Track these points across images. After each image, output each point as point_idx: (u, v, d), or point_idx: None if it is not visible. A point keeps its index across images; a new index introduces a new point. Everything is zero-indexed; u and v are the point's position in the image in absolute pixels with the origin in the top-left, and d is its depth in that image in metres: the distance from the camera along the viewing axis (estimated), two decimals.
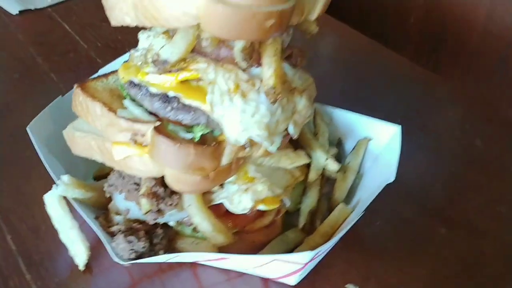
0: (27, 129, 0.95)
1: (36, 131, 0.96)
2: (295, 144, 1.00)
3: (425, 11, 2.47)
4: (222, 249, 0.88)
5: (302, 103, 0.85)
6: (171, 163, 0.78)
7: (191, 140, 0.77)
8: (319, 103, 1.10)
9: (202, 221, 0.84)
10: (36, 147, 0.94)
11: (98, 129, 0.85)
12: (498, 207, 1.06)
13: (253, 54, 0.75)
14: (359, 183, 1.03)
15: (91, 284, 0.89)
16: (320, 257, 0.83)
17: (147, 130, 0.79)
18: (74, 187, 0.87)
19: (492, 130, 1.29)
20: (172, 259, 0.85)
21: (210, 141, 0.79)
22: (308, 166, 0.99)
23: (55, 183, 0.90)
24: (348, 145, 1.08)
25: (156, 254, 0.86)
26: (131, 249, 0.84)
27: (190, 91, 0.78)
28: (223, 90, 0.77)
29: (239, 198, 0.86)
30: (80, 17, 1.70)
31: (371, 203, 0.89)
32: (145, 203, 0.82)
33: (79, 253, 0.89)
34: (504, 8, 2.05)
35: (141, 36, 0.86)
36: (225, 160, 0.80)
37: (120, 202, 0.89)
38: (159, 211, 0.84)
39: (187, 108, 0.78)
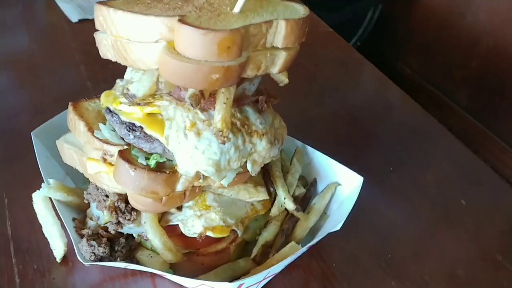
0: (32, 133, 1.09)
1: (40, 136, 1.10)
2: (267, 178, 1.07)
3: (486, 61, 2.42)
4: (172, 266, 0.98)
5: (261, 145, 0.93)
6: (128, 184, 0.88)
7: (146, 166, 0.87)
8: (303, 143, 1.17)
9: (154, 238, 0.94)
10: (36, 150, 1.08)
11: (81, 144, 0.98)
12: (456, 271, 1.07)
13: (203, 97, 0.84)
14: (323, 224, 1.08)
15: (63, 275, 1.01)
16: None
17: (115, 151, 0.91)
18: (56, 190, 1.00)
19: (479, 194, 1.29)
20: (128, 267, 0.96)
21: (166, 169, 0.89)
22: (274, 200, 1.06)
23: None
24: (321, 187, 1.14)
25: (115, 260, 0.97)
26: (92, 252, 0.95)
27: (153, 123, 0.88)
28: (180, 126, 0.86)
29: (192, 223, 0.96)
30: None
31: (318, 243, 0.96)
32: (106, 215, 0.94)
33: (57, 247, 1.02)
34: None
35: (128, 68, 0.98)
36: (179, 187, 0.90)
37: (94, 209, 1.01)
38: (119, 223, 0.95)
39: (148, 138, 0.88)
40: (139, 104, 0.89)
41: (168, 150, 0.87)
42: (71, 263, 1.03)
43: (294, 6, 0.93)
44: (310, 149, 1.17)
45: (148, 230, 0.94)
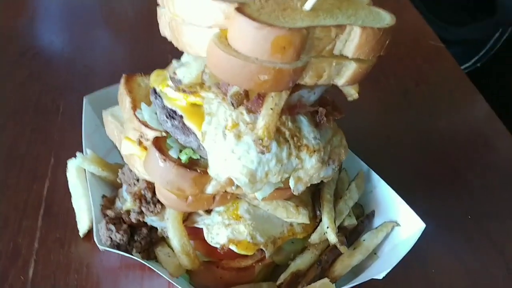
0: (84, 98, 1.05)
1: (93, 103, 1.06)
2: (315, 199, 0.95)
3: None
4: (189, 271, 0.89)
5: (310, 163, 0.81)
6: (154, 174, 0.81)
7: (177, 160, 0.79)
8: (369, 168, 1.03)
9: (174, 238, 0.86)
10: (84, 116, 1.04)
11: (124, 119, 0.92)
12: None
13: (247, 99, 0.74)
14: (370, 265, 0.94)
15: (81, 250, 0.98)
16: None
17: (152, 136, 0.83)
18: (91, 162, 0.95)
19: None
20: (143, 262, 0.89)
21: (198, 167, 0.80)
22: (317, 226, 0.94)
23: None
24: (377, 222, 0.99)
25: (131, 250, 0.91)
26: (109, 237, 0.89)
27: (194, 115, 0.79)
28: (220, 124, 0.77)
29: (218, 231, 0.87)
30: None
31: None
32: (129, 201, 0.87)
33: (82, 221, 0.98)
34: None
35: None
36: (209, 190, 0.81)
37: (124, 191, 0.95)
38: (141, 213, 0.88)
39: (185, 129, 0.80)
40: (184, 91, 0.81)
41: (203, 148, 0.78)
42: (93, 240, 0.99)
43: (379, 12, 0.80)
44: (375, 176, 1.02)
45: (169, 228, 0.86)
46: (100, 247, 0.89)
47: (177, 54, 0.84)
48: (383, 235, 0.95)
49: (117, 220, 0.91)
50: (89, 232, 0.98)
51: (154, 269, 0.86)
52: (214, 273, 0.89)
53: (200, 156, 0.80)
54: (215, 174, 0.78)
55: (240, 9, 0.68)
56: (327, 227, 0.90)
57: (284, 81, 0.70)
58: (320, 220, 0.93)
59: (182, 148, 0.81)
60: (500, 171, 1.30)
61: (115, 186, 1.00)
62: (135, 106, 0.89)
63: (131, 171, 0.92)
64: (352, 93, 0.82)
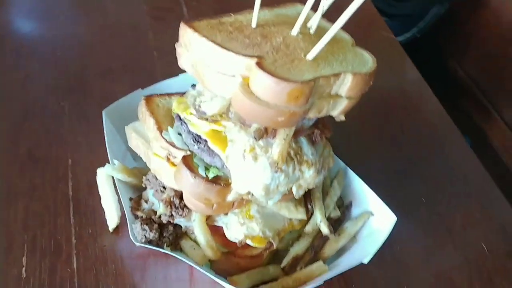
0: (103, 112, 1.20)
1: (110, 114, 1.21)
2: (307, 197, 1.17)
3: None
4: (211, 261, 1.10)
5: (309, 174, 1.02)
6: (186, 188, 1.00)
7: (204, 177, 0.98)
8: (346, 165, 1.25)
9: (199, 235, 1.06)
10: (105, 129, 1.19)
11: (149, 137, 1.09)
12: None
13: (266, 133, 0.94)
14: (350, 247, 1.18)
15: (113, 244, 1.16)
16: None
17: (179, 155, 1.01)
18: (119, 171, 1.13)
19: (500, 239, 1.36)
20: (172, 254, 1.09)
21: (221, 181, 0.99)
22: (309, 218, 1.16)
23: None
24: (355, 211, 1.23)
25: (162, 244, 1.10)
26: (144, 235, 1.08)
27: (216, 139, 0.98)
28: (240, 148, 0.96)
29: (235, 229, 1.07)
30: (200, 3, 1.91)
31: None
32: (162, 207, 1.06)
33: (111, 218, 1.16)
34: None
35: None
36: (229, 198, 1.00)
37: (150, 195, 1.13)
38: (171, 216, 1.07)
39: (210, 152, 0.98)
40: (206, 119, 0.99)
41: (226, 167, 0.97)
42: (121, 234, 1.17)
43: (363, 55, 1.00)
44: (351, 173, 1.24)
45: (196, 227, 1.06)
46: (137, 244, 1.08)
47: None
48: (361, 223, 1.18)
49: (149, 221, 1.09)
50: (117, 227, 1.17)
51: (182, 259, 1.06)
52: (232, 261, 1.11)
53: (223, 173, 0.99)
54: (237, 188, 0.97)
55: (259, 64, 0.86)
56: (320, 221, 1.13)
57: (295, 120, 0.89)
58: (312, 214, 1.15)
59: (207, 165, 1.00)
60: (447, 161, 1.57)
61: (138, 189, 1.18)
62: (160, 127, 1.06)
63: (156, 178, 1.10)
64: (341, 117, 1.02)
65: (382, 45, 1.89)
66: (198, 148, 0.99)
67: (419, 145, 1.58)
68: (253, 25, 0.98)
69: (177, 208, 1.06)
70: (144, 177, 1.14)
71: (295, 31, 0.97)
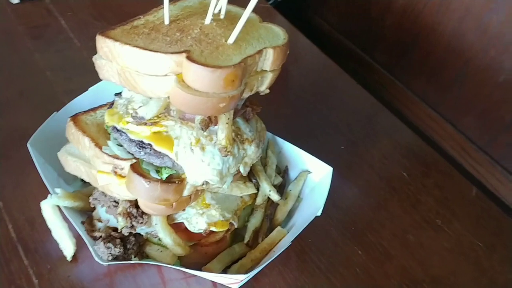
0: (28, 145, 1.16)
1: (35, 145, 1.17)
2: (250, 173, 1.23)
3: (400, 18, 2.65)
4: (180, 257, 1.13)
5: (251, 150, 1.08)
6: (142, 195, 1.01)
7: (159, 179, 1.00)
8: (272, 134, 1.33)
9: (165, 237, 1.08)
10: (35, 161, 1.15)
11: (87, 156, 1.08)
12: (407, 236, 1.32)
13: (210, 122, 0.98)
14: (298, 206, 1.27)
15: (76, 272, 1.13)
16: (255, 273, 1.07)
17: (125, 165, 1.02)
18: (65, 198, 1.10)
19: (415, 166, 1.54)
20: (143, 262, 1.10)
21: (175, 179, 1.02)
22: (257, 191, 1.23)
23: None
24: (292, 174, 1.32)
25: (128, 256, 1.11)
26: (109, 253, 1.08)
27: (160, 141, 1.00)
28: (186, 143, 0.99)
29: (196, 220, 1.11)
30: (75, 13, 1.86)
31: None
32: (121, 221, 1.06)
33: (67, 247, 1.13)
34: (467, 26, 2.25)
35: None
36: (186, 193, 1.03)
37: (102, 213, 1.12)
38: (132, 227, 1.08)
39: (158, 154, 1.00)
40: (145, 124, 1.00)
41: (177, 164, 1.00)
42: (80, 259, 1.15)
43: (273, 28, 1.07)
44: (279, 140, 1.33)
45: (159, 230, 1.08)
46: (104, 264, 1.08)
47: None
48: (302, 183, 1.27)
49: (110, 238, 1.09)
50: (74, 255, 1.14)
51: (155, 263, 1.08)
52: (200, 252, 1.14)
53: (176, 170, 1.01)
54: (193, 181, 1.01)
55: (190, 58, 0.90)
56: (270, 191, 1.20)
57: (235, 103, 0.95)
58: (258, 187, 1.22)
59: (157, 168, 1.01)
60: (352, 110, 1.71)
61: (84, 211, 1.17)
62: (97, 144, 1.05)
63: (105, 195, 1.10)
64: (266, 91, 1.09)
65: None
66: (145, 153, 1.00)
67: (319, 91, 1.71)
68: (166, 22, 1.00)
69: (136, 217, 1.07)
70: (90, 198, 1.12)
71: (208, 20, 1.01)
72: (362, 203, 1.39)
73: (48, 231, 1.14)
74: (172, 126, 1.00)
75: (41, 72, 1.62)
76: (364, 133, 1.61)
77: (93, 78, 1.09)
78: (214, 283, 1.14)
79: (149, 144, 1.00)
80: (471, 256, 1.30)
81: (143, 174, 1.00)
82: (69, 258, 1.14)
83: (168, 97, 0.95)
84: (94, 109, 1.15)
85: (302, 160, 1.29)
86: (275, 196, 1.20)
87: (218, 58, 0.92)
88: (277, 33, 1.05)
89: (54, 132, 1.18)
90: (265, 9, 2.05)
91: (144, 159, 1.01)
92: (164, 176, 1.00)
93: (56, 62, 1.64)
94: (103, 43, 0.96)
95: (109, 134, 1.07)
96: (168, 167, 1.01)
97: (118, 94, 1.09)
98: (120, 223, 1.07)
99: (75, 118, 1.11)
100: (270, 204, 1.24)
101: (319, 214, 1.16)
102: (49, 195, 1.11)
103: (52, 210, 1.10)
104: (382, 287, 1.21)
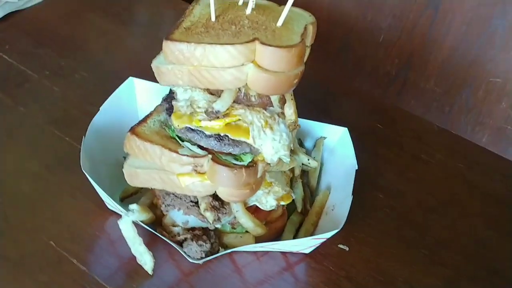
0: (84, 170, 1.13)
1: (85, 168, 1.14)
2: None
3: None
4: (256, 238, 1.20)
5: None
6: (229, 184, 1.07)
7: (242, 166, 1.07)
8: None
9: (247, 222, 1.15)
10: (96, 187, 1.14)
11: (158, 165, 1.09)
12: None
13: (284, 99, 1.08)
14: (321, 169, 1.40)
15: (164, 282, 1.14)
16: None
17: (204, 162, 1.07)
18: (142, 212, 1.11)
19: None
20: (230, 251, 1.15)
21: (252, 163, 1.09)
22: None
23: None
24: (307, 144, 1.45)
25: (214, 250, 1.15)
26: (202, 251, 1.11)
27: (235, 129, 1.07)
28: (259, 127, 1.07)
29: (266, 199, 1.18)
30: (12, 45, 1.75)
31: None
32: (209, 215, 1.11)
33: (147, 261, 1.13)
34: None
35: (178, 89, 1.11)
36: (259, 174, 1.11)
37: (178, 216, 1.15)
38: (219, 219, 1.13)
39: (236, 142, 1.07)
40: (218, 118, 1.06)
41: (253, 148, 1.07)
42: (160, 270, 1.15)
43: (294, 10, 1.17)
44: None
45: (241, 216, 1.14)
46: (200, 262, 1.11)
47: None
48: (321, 148, 1.41)
49: (198, 236, 1.12)
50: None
51: (242, 249, 1.15)
52: (272, 228, 1.22)
53: (253, 154, 1.09)
54: (271, 159, 1.09)
55: (263, 43, 0.99)
56: (308, 160, 1.31)
57: (301, 77, 1.05)
58: None
59: (235, 156, 1.08)
60: None
61: (151, 223, 1.18)
62: (171, 149, 1.08)
63: (180, 198, 1.13)
64: None
65: None
66: (225, 144, 1.06)
67: None
68: (213, 18, 1.07)
69: (219, 209, 1.12)
70: (163, 205, 1.14)
71: (249, 10, 1.09)
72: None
73: (107, 255, 1.15)
74: (243, 113, 1.07)
75: (14, 108, 1.51)
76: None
77: None
78: (284, 256, 1.22)
79: (226, 136, 1.07)
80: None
81: (226, 164, 1.06)
82: (150, 271, 1.14)
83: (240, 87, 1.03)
84: (144, 119, 1.15)
85: (315, 130, 1.43)
86: (314, 163, 1.33)
87: (281, 40, 1.02)
88: (300, 13, 1.16)
89: (97, 149, 1.20)
90: None
91: (224, 150, 1.07)
92: (247, 161, 1.07)
93: (23, 96, 1.55)
94: (173, 47, 1.00)
95: (175, 138, 1.10)
96: (247, 153, 1.08)
97: (167, 99, 1.13)
98: (209, 218, 1.11)
99: (134, 131, 1.11)
100: (303, 174, 1.36)
101: (356, 168, 1.29)
102: (124, 214, 1.10)
103: (132, 227, 1.10)
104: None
